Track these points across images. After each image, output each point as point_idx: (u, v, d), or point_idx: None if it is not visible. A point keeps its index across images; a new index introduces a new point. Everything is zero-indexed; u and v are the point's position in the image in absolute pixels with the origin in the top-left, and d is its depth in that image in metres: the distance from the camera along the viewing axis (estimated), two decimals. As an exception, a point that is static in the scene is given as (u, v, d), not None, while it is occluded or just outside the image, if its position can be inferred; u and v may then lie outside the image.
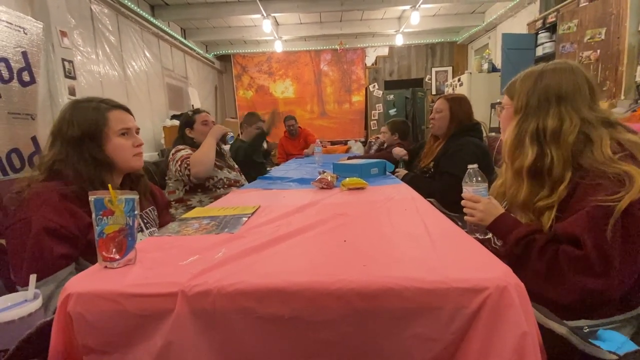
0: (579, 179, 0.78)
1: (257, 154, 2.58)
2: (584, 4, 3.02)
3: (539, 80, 0.88)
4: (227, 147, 2.21)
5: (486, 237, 0.96)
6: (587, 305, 0.74)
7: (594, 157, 0.78)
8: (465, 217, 0.96)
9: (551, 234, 0.80)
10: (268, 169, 2.71)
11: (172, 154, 1.82)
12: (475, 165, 0.95)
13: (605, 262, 0.70)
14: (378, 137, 3.06)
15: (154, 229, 1.15)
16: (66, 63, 2.58)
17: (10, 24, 1.85)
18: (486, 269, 0.59)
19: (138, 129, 1.10)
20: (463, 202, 0.95)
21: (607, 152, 0.77)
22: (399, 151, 2.46)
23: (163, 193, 1.36)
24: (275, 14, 4.89)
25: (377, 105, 6.45)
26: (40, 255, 0.82)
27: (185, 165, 1.73)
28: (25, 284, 0.77)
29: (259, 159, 2.66)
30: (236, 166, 2.12)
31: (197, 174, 1.73)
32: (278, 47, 5.71)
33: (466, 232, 0.93)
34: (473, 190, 0.93)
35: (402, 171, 2.08)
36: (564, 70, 0.87)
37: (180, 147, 1.85)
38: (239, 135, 5.18)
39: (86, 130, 0.97)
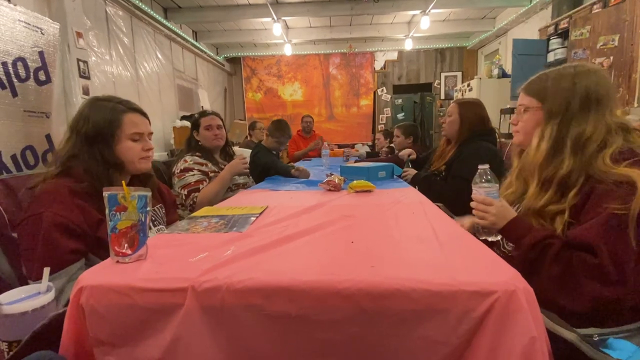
0: (596, 183, 0.76)
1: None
2: (597, 10, 2.99)
3: (577, 81, 0.82)
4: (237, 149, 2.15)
5: (495, 239, 0.94)
6: (600, 313, 0.73)
7: (597, 165, 0.77)
8: (475, 220, 0.94)
9: (565, 238, 0.78)
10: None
11: (180, 171, 1.72)
12: (487, 166, 0.92)
13: (620, 271, 0.69)
14: (387, 147, 2.99)
15: (161, 226, 1.16)
16: (81, 63, 2.64)
17: (28, 24, 1.90)
18: (495, 273, 0.58)
19: (151, 133, 1.11)
20: (473, 204, 0.92)
21: (607, 161, 0.76)
22: (404, 152, 2.43)
23: (171, 191, 1.38)
24: (286, 18, 4.92)
25: (385, 109, 6.45)
26: (52, 250, 0.84)
27: (191, 202, 1.66)
28: (37, 278, 0.79)
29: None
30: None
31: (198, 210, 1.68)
32: (287, 50, 5.75)
33: (473, 233, 0.92)
34: (485, 192, 0.90)
35: (411, 171, 2.04)
36: (596, 72, 0.83)
37: (188, 160, 1.75)
38: (247, 136, 5.21)
39: (100, 129, 0.99)
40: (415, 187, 1.73)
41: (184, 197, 1.68)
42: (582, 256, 0.74)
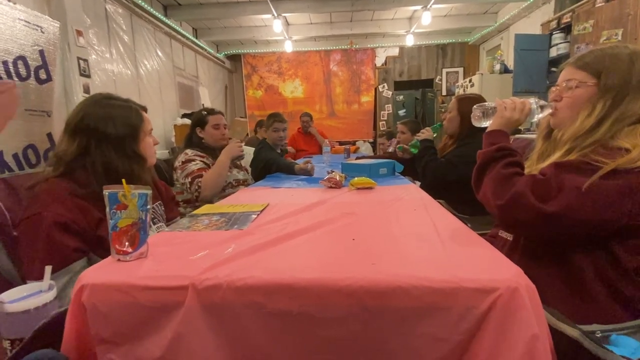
0: (600, 147, 0.76)
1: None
2: (600, 4, 2.96)
3: (635, 60, 0.81)
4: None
5: (479, 124, 1.02)
6: (508, 213, 0.76)
7: (621, 135, 0.76)
8: (499, 101, 0.96)
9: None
10: None
11: (182, 163, 1.75)
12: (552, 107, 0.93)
13: (556, 194, 0.70)
14: (391, 143, 3.00)
15: (161, 224, 1.16)
16: (81, 61, 2.64)
17: (28, 22, 1.89)
18: (497, 270, 0.58)
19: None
20: (518, 99, 0.95)
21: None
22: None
23: (169, 188, 1.38)
24: (286, 14, 4.90)
25: (386, 105, 6.43)
26: (54, 249, 0.84)
27: (197, 187, 1.69)
28: (39, 278, 0.79)
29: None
30: (244, 166, 2.13)
31: (205, 198, 1.70)
32: (288, 47, 5.73)
33: (479, 104, 1.03)
34: (533, 109, 0.93)
35: (428, 132, 1.97)
36: None
37: (189, 153, 1.78)
38: (250, 132, 5.22)
39: (129, 128, 1.02)
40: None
41: (188, 185, 1.72)
42: (534, 174, 0.76)
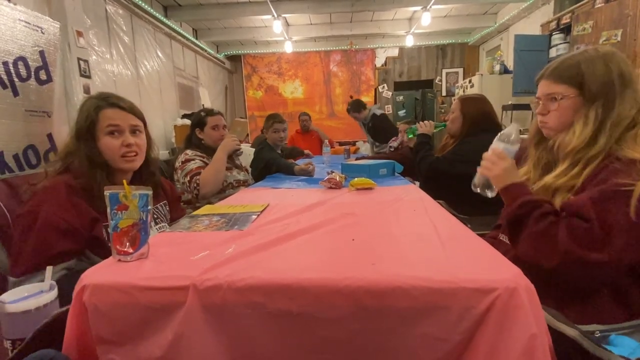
0: (614, 160, 0.75)
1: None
2: (600, 5, 2.96)
3: (609, 63, 0.81)
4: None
5: (489, 195, 0.95)
6: (567, 273, 0.73)
7: (626, 143, 0.76)
8: (480, 169, 0.94)
9: (559, 207, 0.79)
10: None
11: (182, 163, 1.77)
12: (517, 126, 0.91)
13: (606, 237, 0.68)
14: (396, 138, 3.01)
15: (163, 224, 1.16)
16: (81, 62, 2.64)
17: (29, 23, 1.89)
18: (496, 270, 0.58)
19: (135, 126, 1.04)
20: (486, 154, 0.93)
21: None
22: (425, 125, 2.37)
23: (174, 187, 1.38)
24: (286, 15, 4.91)
25: (386, 106, 6.43)
26: (41, 249, 0.83)
27: (195, 185, 1.70)
28: (22, 273, 0.80)
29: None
30: (244, 166, 2.14)
31: (205, 195, 1.71)
32: (288, 48, 5.73)
33: (472, 184, 0.97)
34: (504, 147, 0.91)
35: (430, 125, 1.99)
36: (617, 52, 0.83)
37: (189, 153, 1.79)
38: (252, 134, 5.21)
39: (81, 127, 0.99)
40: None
41: (187, 184, 1.72)
42: (573, 221, 0.73)
